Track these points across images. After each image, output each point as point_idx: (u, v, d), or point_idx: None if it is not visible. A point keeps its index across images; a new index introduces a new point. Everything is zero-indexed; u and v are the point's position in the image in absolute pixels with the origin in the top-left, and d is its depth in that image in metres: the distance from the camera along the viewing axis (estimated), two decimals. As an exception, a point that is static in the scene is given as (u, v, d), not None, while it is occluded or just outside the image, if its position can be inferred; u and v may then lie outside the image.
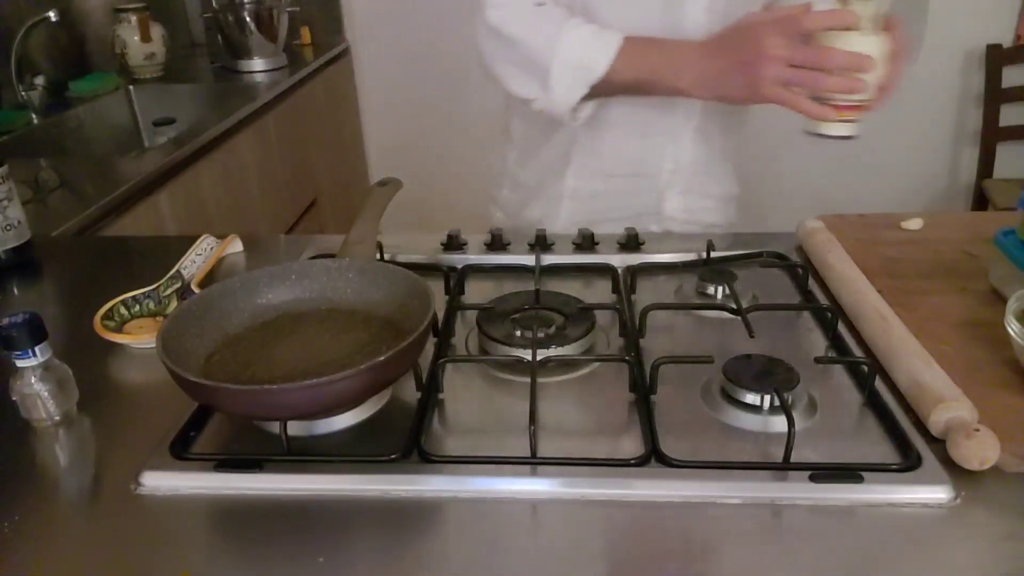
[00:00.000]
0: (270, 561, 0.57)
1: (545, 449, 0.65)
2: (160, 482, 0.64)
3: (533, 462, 0.64)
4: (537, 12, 1.01)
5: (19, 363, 0.70)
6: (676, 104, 1.07)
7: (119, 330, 0.86)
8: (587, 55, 0.97)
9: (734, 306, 0.82)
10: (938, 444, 0.64)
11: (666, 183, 1.16)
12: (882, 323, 0.78)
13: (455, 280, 0.94)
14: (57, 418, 0.72)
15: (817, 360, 0.76)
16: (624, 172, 1.14)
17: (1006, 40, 2.68)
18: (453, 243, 1.03)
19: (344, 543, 0.58)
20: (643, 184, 1.16)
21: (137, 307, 0.90)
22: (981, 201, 2.74)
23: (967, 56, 2.73)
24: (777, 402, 0.67)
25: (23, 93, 1.89)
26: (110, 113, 2.15)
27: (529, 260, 0.96)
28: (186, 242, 1.02)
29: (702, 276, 0.92)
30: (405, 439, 0.66)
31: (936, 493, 0.60)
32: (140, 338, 0.84)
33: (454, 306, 0.88)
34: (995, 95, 2.68)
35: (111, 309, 0.88)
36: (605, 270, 0.96)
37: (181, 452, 0.66)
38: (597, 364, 0.79)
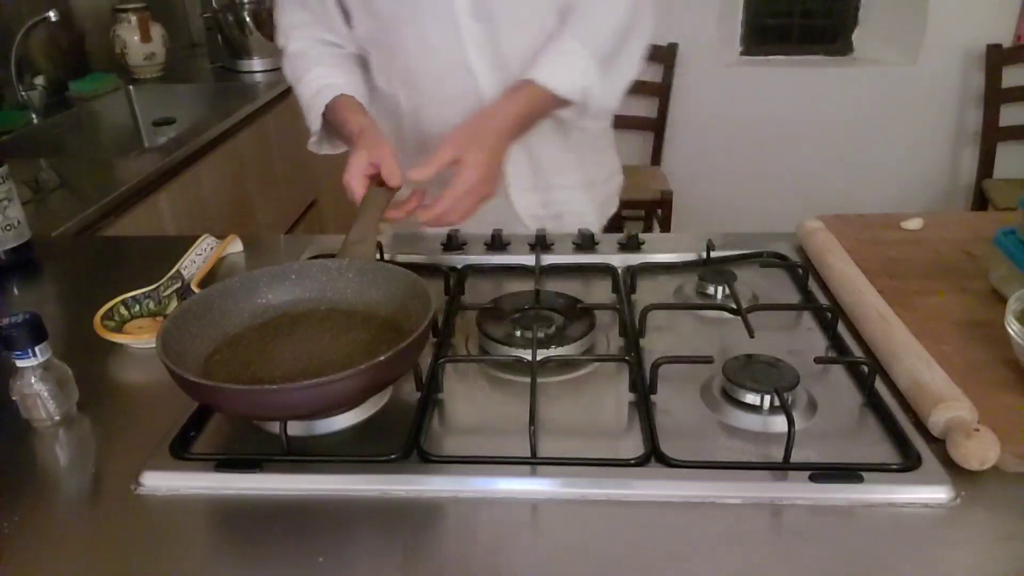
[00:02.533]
0: (270, 561, 0.57)
1: (545, 449, 0.65)
2: (160, 482, 0.64)
3: (533, 462, 0.64)
4: (294, 54, 1.11)
5: (19, 363, 0.70)
6: (471, 111, 1.05)
7: (119, 330, 0.86)
8: (308, 111, 1.08)
9: (734, 306, 0.82)
10: (938, 444, 0.64)
11: (507, 182, 1.14)
12: (882, 323, 0.78)
13: (455, 280, 0.94)
14: (57, 418, 0.72)
15: (817, 360, 0.76)
16: None
17: (1006, 40, 2.68)
18: (453, 243, 1.03)
19: (344, 543, 0.58)
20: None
21: (137, 307, 0.90)
22: (981, 201, 2.74)
23: (967, 56, 2.73)
24: (777, 402, 0.67)
25: (23, 93, 1.89)
26: (110, 113, 2.15)
27: (529, 260, 0.96)
28: (186, 242, 1.02)
29: (702, 276, 0.92)
30: (405, 439, 0.66)
31: (936, 493, 0.60)
32: (140, 338, 0.84)
33: (454, 306, 0.88)
34: (995, 95, 2.68)
35: (111, 309, 0.88)
36: (605, 270, 0.96)
37: (181, 452, 0.66)
38: (597, 364, 0.79)
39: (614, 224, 1.30)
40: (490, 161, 0.93)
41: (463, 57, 1.04)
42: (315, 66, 1.08)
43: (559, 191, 1.19)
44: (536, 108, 1.01)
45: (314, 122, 1.07)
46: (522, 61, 1.05)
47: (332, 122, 1.06)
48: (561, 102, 1.02)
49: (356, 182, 0.91)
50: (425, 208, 0.92)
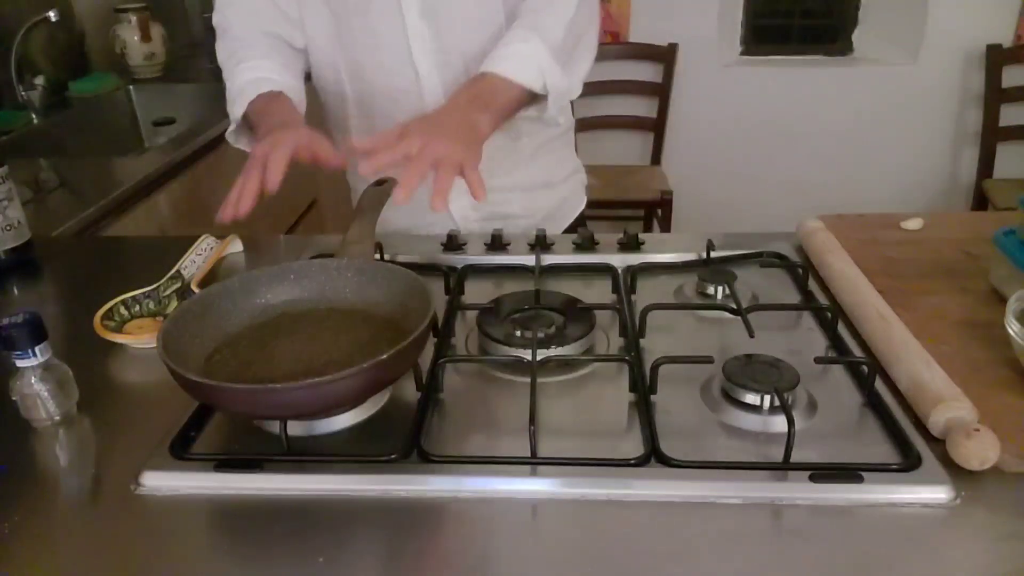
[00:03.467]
0: (270, 561, 0.57)
1: (545, 449, 0.65)
2: (160, 482, 0.64)
3: (533, 462, 0.64)
4: (235, 38, 1.08)
5: (19, 363, 0.70)
6: (414, 110, 1.04)
7: (119, 330, 0.85)
8: (238, 95, 1.04)
9: (734, 306, 0.82)
10: (938, 444, 0.64)
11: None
12: (882, 323, 0.78)
13: (455, 280, 0.94)
14: (57, 418, 0.72)
15: (817, 360, 0.76)
16: None
17: (1006, 40, 2.68)
18: (453, 243, 1.03)
19: (344, 543, 0.58)
20: (425, 187, 1.13)
21: (137, 307, 0.90)
22: (981, 201, 2.74)
23: (967, 56, 2.73)
24: (777, 402, 0.67)
25: (23, 93, 1.89)
26: (110, 113, 2.15)
27: (529, 260, 0.96)
28: (186, 242, 1.02)
29: (702, 276, 0.92)
30: (405, 439, 0.66)
31: (936, 493, 0.60)
32: (140, 338, 0.84)
33: (454, 306, 0.88)
34: (995, 95, 2.68)
35: (111, 309, 0.88)
36: (605, 270, 0.96)
37: (181, 452, 0.66)
38: (597, 364, 0.79)
39: (582, 221, 1.29)
40: (434, 127, 0.87)
41: (408, 53, 1.05)
42: (255, 56, 1.05)
43: (496, 192, 1.10)
44: (489, 91, 0.95)
45: (237, 110, 1.03)
46: (466, 61, 1.06)
47: (255, 116, 1.01)
48: (520, 91, 0.97)
49: (287, 142, 0.87)
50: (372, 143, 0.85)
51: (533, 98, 1.01)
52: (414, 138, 0.82)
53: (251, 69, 1.04)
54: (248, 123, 1.05)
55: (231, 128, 1.08)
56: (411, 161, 0.80)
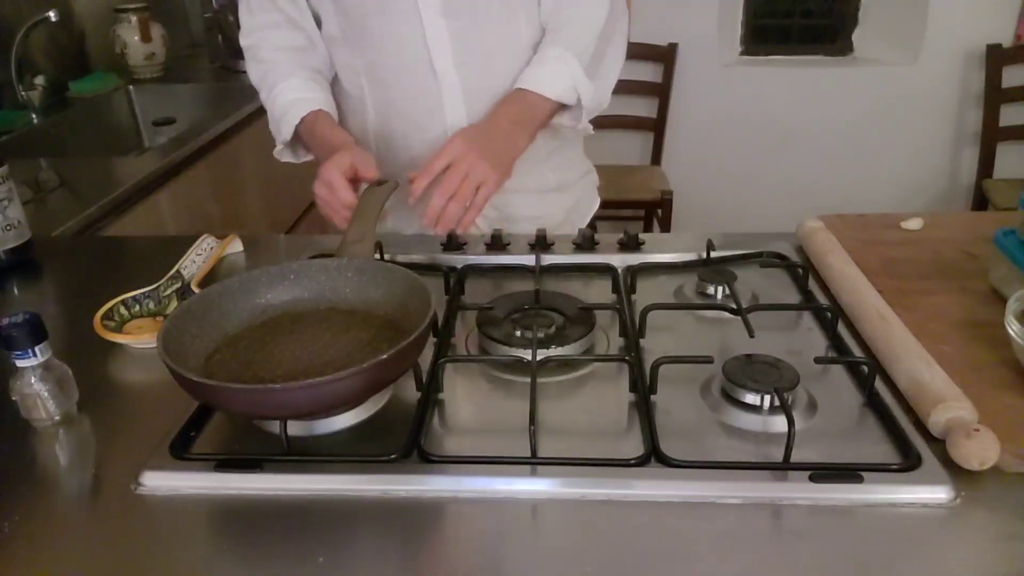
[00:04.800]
0: (270, 561, 0.57)
1: (545, 449, 0.65)
2: (160, 482, 0.64)
3: (533, 462, 0.64)
4: (265, 60, 1.12)
5: (19, 363, 0.70)
6: (434, 111, 1.09)
7: (119, 330, 0.85)
8: (281, 119, 1.09)
9: (734, 306, 0.82)
10: (938, 444, 0.64)
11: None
12: (882, 323, 0.78)
13: (455, 280, 0.94)
14: (57, 418, 0.72)
15: (817, 360, 0.76)
16: None
17: (1006, 40, 2.68)
18: (453, 243, 1.03)
19: (344, 543, 0.58)
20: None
21: (137, 307, 0.90)
22: (981, 201, 2.74)
23: (967, 56, 2.73)
24: (777, 402, 0.67)
25: (23, 93, 1.89)
26: (110, 113, 2.15)
27: (529, 260, 0.96)
28: (186, 242, 1.02)
29: (702, 276, 0.92)
30: (405, 439, 0.66)
31: (936, 493, 0.60)
32: (140, 338, 0.84)
33: (454, 306, 0.88)
34: (995, 95, 2.68)
35: (111, 309, 0.88)
36: (605, 270, 0.96)
37: (181, 452, 0.66)
38: (597, 364, 0.79)
39: (595, 221, 1.31)
40: (476, 152, 0.95)
41: (427, 53, 1.05)
42: (289, 76, 1.09)
43: (511, 194, 1.15)
44: (529, 110, 1.03)
45: (286, 131, 1.08)
46: (486, 61, 1.07)
47: (306, 134, 1.08)
48: (555, 106, 1.04)
49: (334, 174, 0.94)
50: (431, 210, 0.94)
51: (563, 107, 1.06)
52: (456, 148, 0.94)
53: (286, 91, 1.08)
54: (299, 141, 1.12)
55: (280, 148, 1.14)
56: (449, 170, 0.93)
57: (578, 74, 1.03)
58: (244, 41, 1.14)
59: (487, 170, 0.95)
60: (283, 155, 1.15)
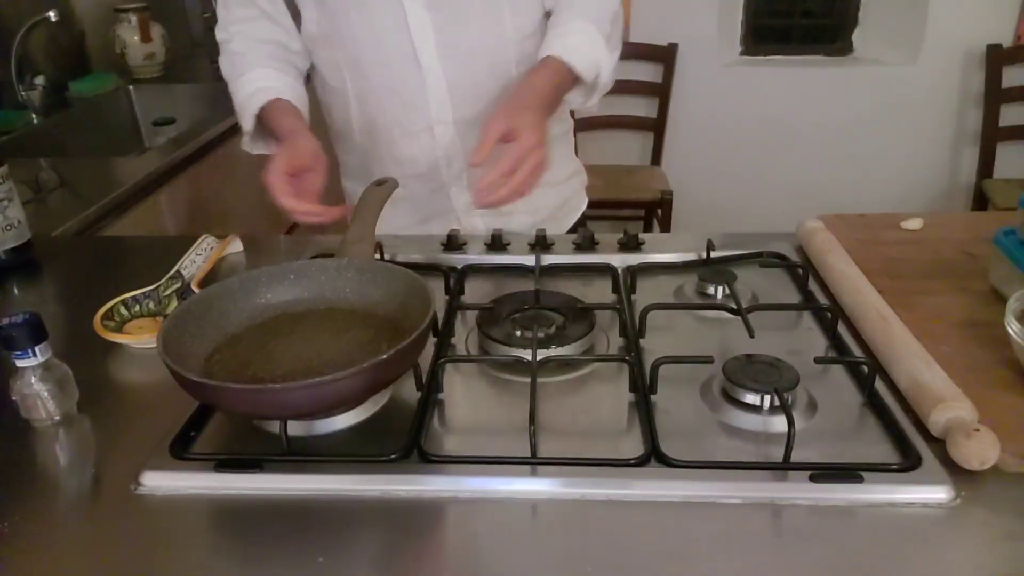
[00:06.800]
0: (270, 561, 0.57)
1: (545, 449, 0.65)
2: (160, 482, 0.64)
3: (533, 462, 0.64)
4: (235, 52, 1.11)
5: (19, 363, 0.70)
6: (418, 105, 1.08)
7: (119, 330, 0.86)
8: (242, 107, 1.08)
9: (734, 306, 0.82)
10: (938, 444, 0.64)
11: (448, 179, 1.15)
12: (882, 323, 0.78)
13: (455, 280, 0.94)
14: (57, 418, 0.72)
15: (817, 360, 0.76)
16: (408, 174, 1.12)
17: (1006, 40, 2.68)
18: (453, 243, 1.03)
19: (344, 543, 0.58)
20: (430, 184, 1.16)
21: (137, 307, 0.90)
22: (981, 201, 2.74)
23: (967, 56, 2.73)
24: (777, 402, 0.67)
25: (23, 93, 1.89)
26: (110, 113, 2.15)
27: (529, 260, 0.96)
28: (186, 242, 1.02)
29: (702, 276, 0.92)
30: (405, 439, 0.66)
31: (936, 493, 0.60)
32: (140, 338, 0.84)
33: (454, 306, 0.88)
34: (995, 95, 2.68)
35: (111, 309, 0.88)
36: (605, 270, 0.96)
37: (181, 452, 0.66)
38: (597, 364, 0.79)
39: (582, 221, 1.30)
40: (541, 124, 0.92)
41: (411, 47, 1.04)
42: (255, 67, 1.08)
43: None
44: (560, 83, 1.00)
45: (247, 122, 1.07)
46: (470, 54, 1.06)
47: (265, 124, 1.07)
48: (574, 80, 1.01)
49: (275, 178, 0.94)
50: (486, 183, 0.89)
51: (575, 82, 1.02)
52: (523, 139, 0.89)
53: (250, 81, 1.07)
54: (264, 130, 1.09)
55: (245, 139, 1.12)
56: (514, 161, 0.88)
57: (601, 50, 1.01)
58: (219, 35, 1.13)
59: (544, 155, 0.91)
60: (253, 146, 1.13)
